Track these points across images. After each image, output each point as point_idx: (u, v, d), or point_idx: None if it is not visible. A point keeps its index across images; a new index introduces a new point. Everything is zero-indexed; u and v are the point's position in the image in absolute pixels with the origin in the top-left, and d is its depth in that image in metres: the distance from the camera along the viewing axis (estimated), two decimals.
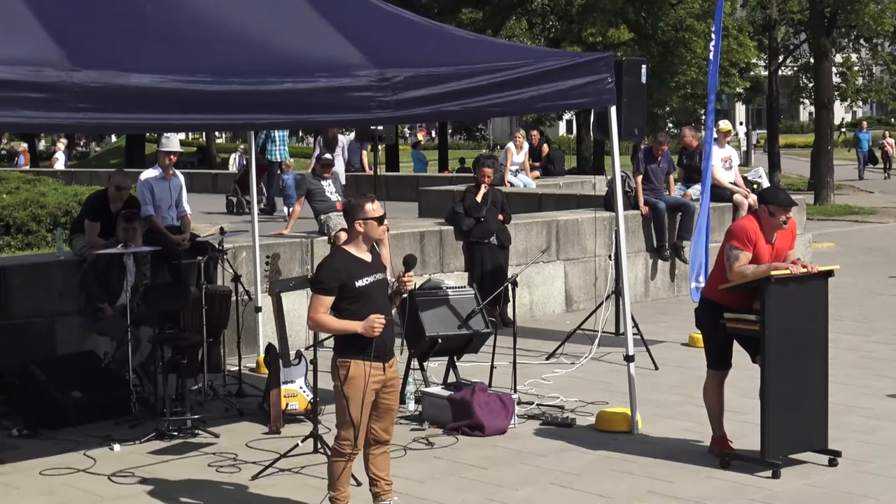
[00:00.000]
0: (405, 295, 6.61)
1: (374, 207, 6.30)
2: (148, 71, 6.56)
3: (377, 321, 6.13)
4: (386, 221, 6.43)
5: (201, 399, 9.32)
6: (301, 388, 8.77)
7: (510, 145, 20.20)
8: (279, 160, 20.93)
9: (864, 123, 44.85)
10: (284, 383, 8.68)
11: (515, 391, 8.99)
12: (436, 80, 7.47)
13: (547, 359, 11.02)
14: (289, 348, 8.77)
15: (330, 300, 6.20)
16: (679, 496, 7.03)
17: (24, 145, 38.40)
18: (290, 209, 18.62)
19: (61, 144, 37.16)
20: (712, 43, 11.53)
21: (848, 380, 9.79)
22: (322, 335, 8.20)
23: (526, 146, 20.45)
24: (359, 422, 6.21)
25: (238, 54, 7.19)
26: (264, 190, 21.43)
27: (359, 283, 6.20)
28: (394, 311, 6.55)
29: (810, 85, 33.71)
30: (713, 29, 11.69)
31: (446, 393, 8.77)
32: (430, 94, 7.47)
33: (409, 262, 6.53)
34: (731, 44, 32.85)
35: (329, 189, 12.32)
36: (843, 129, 44.27)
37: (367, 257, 6.34)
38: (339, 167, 19.71)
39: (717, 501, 6.94)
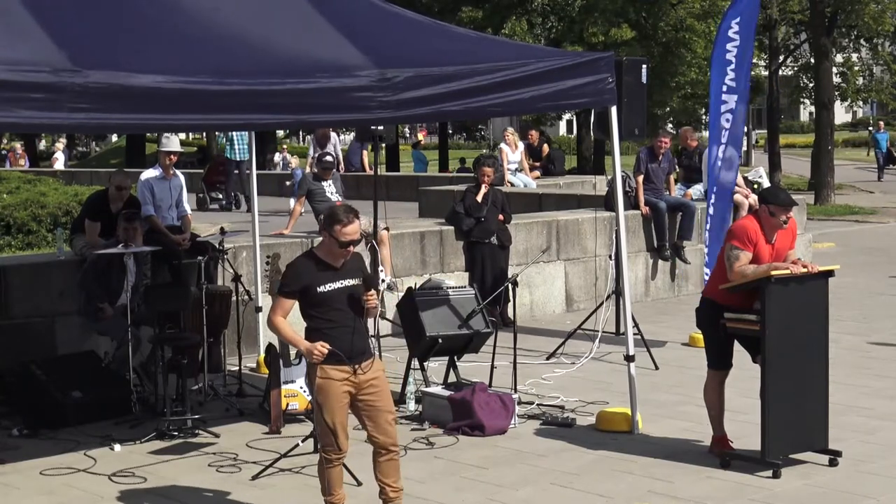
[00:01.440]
0: (376, 311, 6.40)
1: (342, 230, 6.15)
2: (148, 71, 6.55)
3: (318, 349, 6.07)
4: (355, 247, 6.23)
5: (202, 399, 9.32)
6: (301, 387, 8.77)
7: (502, 146, 20.24)
8: (238, 159, 21.75)
9: (882, 123, 44.14)
10: (285, 383, 8.68)
11: (516, 391, 8.99)
12: (437, 80, 7.47)
13: (547, 359, 11.02)
14: (289, 348, 8.77)
15: (289, 303, 6.23)
16: (679, 496, 7.04)
17: (18, 146, 38.29)
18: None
19: (60, 144, 37.13)
20: (733, 44, 11.11)
21: (848, 380, 9.79)
22: None
23: (521, 144, 20.47)
24: (333, 426, 6.15)
25: (239, 54, 7.19)
26: (228, 188, 22.01)
27: (321, 289, 6.14)
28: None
29: (810, 85, 33.72)
30: (735, 30, 11.21)
31: (446, 393, 8.77)
32: (431, 94, 7.46)
33: (368, 282, 6.32)
34: None
35: (329, 189, 12.32)
36: (871, 129, 42.92)
37: (337, 262, 6.21)
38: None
39: (717, 501, 6.94)
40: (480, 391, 8.62)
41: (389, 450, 6.31)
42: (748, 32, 11.22)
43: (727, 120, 11.21)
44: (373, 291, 6.29)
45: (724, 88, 11.21)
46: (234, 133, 20.82)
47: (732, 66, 11.14)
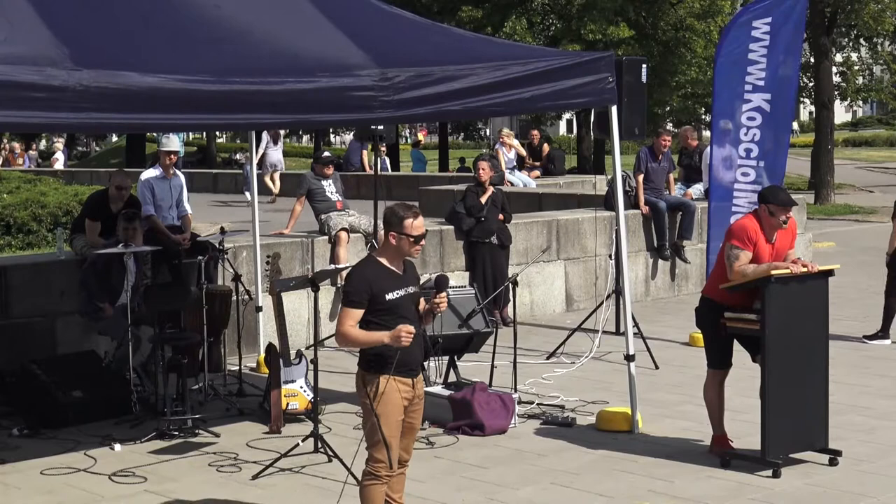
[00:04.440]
0: (437, 314, 6.18)
1: (413, 224, 5.90)
2: (150, 71, 6.56)
3: (405, 331, 5.73)
4: (423, 241, 6.02)
5: (202, 399, 9.31)
6: (301, 387, 8.77)
7: (497, 147, 20.36)
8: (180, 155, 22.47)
9: None
10: (285, 383, 8.68)
11: (516, 390, 8.99)
12: (437, 80, 7.47)
13: (547, 358, 11.02)
14: (289, 348, 8.78)
15: (359, 313, 5.80)
16: (679, 495, 7.04)
17: (17, 145, 38.23)
18: (251, 196, 22.09)
19: (59, 144, 37.11)
20: (761, 43, 10.93)
21: (848, 379, 9.80)
22: (323, 335, 8.21)
23: (516, 142, 20.66)
24: (391, 440, 5.83)
25: (240, 54, 7.18)
26: None
27: (389, 297, 5.82)
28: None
29: (810, 84, 33.65)
30: (765, 31, 11.00)
31: (447, 392, 8.77)
32: (431, 94, 7.46)
33: (441, 283, 6.16)
34: None
35: (329, 189, 12.30)
36: None
37: (399, 269, 5.95)
38: (279, 157, 23.41)
39: (717, 501, 6.95)
40: (480, 391, 8.63)
41: (405, 465, 6.08)
42: (794, 35, 11.27)
43: (750, 118, 11.21)
44: (444, 294, 6.05)
45: (749, 87, 11.20)
46: None
47: (762, 66, 11.13)
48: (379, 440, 5.82)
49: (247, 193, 23.83)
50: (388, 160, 32.21)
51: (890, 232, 11.74)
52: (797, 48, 11.52)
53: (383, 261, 5.94)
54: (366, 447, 5.94)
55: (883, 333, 11.74)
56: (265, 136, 24.07)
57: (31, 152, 38.87)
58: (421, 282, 9.82)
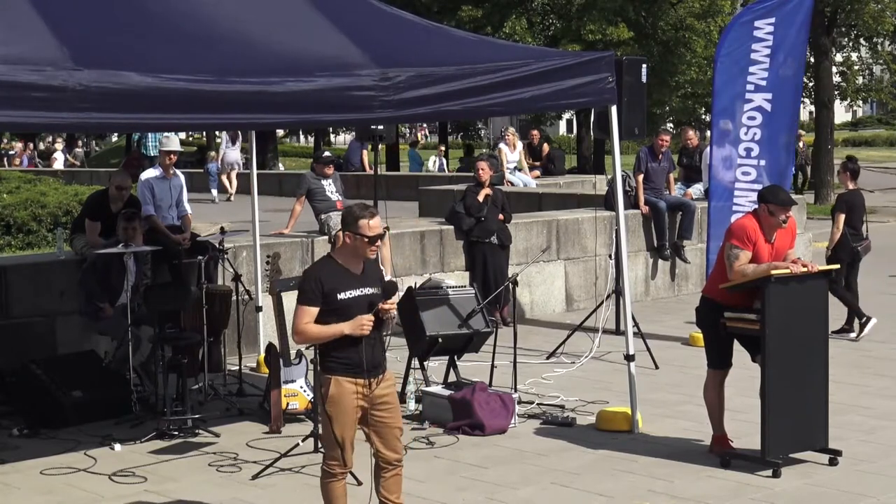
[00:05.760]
0: (392, 321, 6.11)
1: (368, 224, 5.86)
2: (150, 71, 6.56)
3: (366, 320, 5.78)
4: (383, 239, 5.98)
5: (202, 398, 9.32)
6: (301, 387, 8.78)
7: (501, 145, 20.34)
8: (151, 155, 22.65)
9: None
10: (285, 383, 8.68)
11: (516, 390, 8.99)
12: (437, 80, 7.48)
13: (547, 358, 11.02)
14: (289, 348, 8.77)
15: (314, 310, 5.84)
16: (679, 495, 7.04)
17: (19, 145, 38.22)
18: (216, 193, 23.71)
19: (59, 144, 37.10)
20: (764, 44, 11.16)
21: (848, 379, 9.80)
22: None
23: (520, 144, 20.65)
24: (342, 441, 5.85)
25: (240, 54, 7.18)
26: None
27: (341, 296, 5.81)
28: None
29: (810, 84, 33.64)
30: (768, 31, 11.13)
31: (447, 392, 8.77)
32: (431, 94, 7.46)
33: (388, 290, 6.01)
34: None
35: (329, 189, 12.31)
36: None
37: (357, 269, 5.92)
38: (236, 156, 24.65)
39: (717, 501, 6.95)
40: (480, 391, 8.63)
41: (395, 465, 6.03)
42: (797, 36, 11.30)
43: (750, 118, 11.23)
44: (393, 300, 6.00)
45: (750, 87, 11.21)
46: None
47: (764, 66, 11.16)
48: (331, 440, 5.90)
49: (213, 191, 25.38)
50: (445, 161, 32.41)
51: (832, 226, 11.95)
52: (801, 49, 11.52)
53: (339, 260, 5.95)
54: (321, 446, 6.02)
55: (863, 321, 11.81)
56: (224, 136, 24.94)
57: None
58: (419, 283, 9.85)
